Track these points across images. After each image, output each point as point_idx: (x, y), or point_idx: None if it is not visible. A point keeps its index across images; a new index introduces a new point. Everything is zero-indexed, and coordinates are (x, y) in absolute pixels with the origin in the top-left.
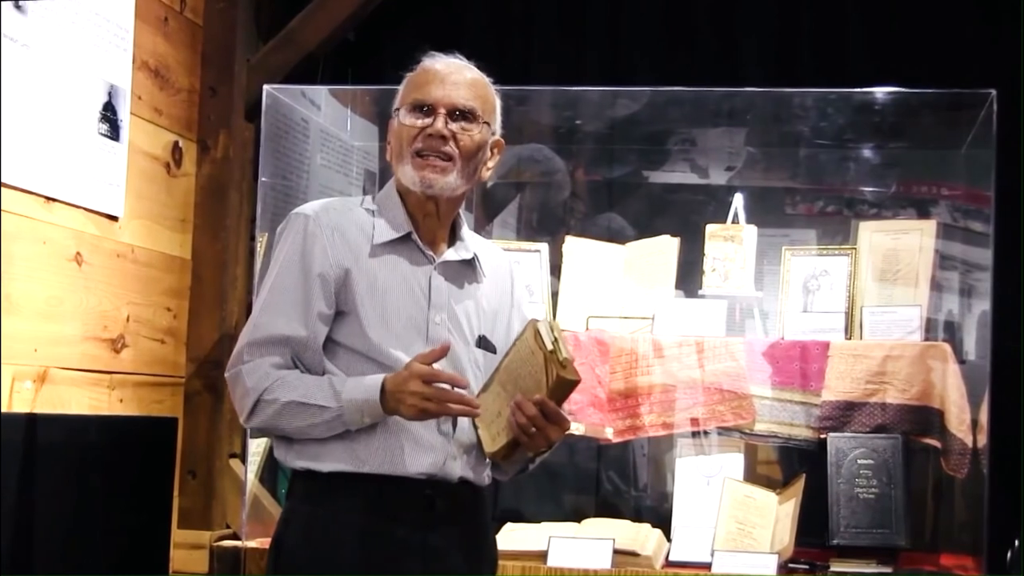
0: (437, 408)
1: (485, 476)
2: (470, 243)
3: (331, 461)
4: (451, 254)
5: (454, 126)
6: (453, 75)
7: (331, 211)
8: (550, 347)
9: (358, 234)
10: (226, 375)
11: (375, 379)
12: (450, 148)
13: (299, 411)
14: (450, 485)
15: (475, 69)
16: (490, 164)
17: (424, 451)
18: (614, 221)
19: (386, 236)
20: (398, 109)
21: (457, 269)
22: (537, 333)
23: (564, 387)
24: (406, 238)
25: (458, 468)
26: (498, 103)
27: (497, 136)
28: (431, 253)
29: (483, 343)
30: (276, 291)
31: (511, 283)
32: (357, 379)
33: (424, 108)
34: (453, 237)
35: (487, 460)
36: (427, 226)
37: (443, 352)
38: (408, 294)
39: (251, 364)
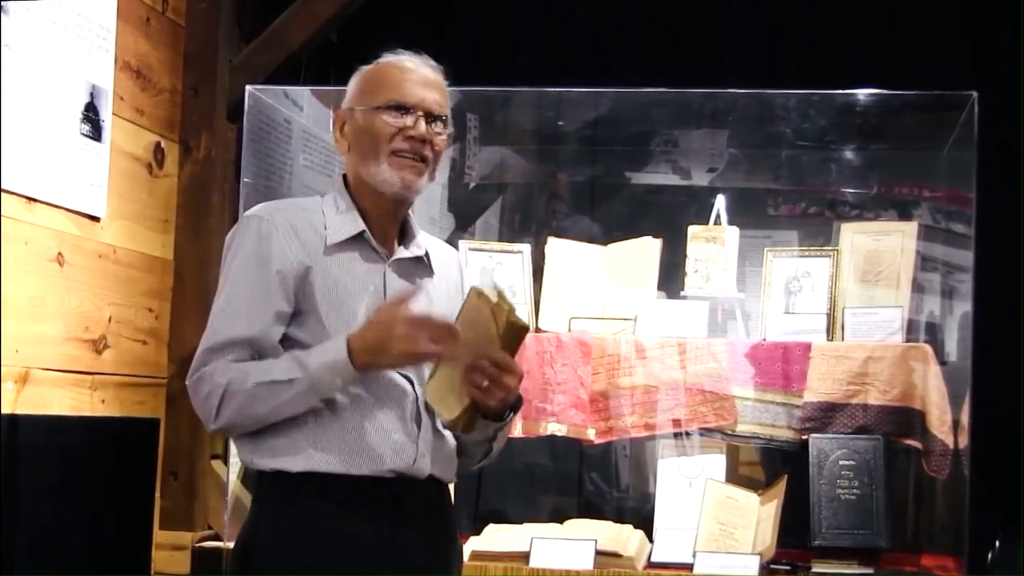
0: (425, 348)
1: (452, 473)
2: (421, 240)
3: (301, 462)
4: (403, 251)
5: (430, 129)
6: (428, 76)
7: (283, 211)
8: (495, 300)
9: (312, 233)
10: (187, 382)
11: (337, 339)
12: (427, 151)
13: (267, 391)
14: (419, 482)
15: (439, 69)
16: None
17: (395, 450)
18: (581, 223)
19: (341, 235)
20: (376, 107)
21: (410, 266)
22: (480, 294)
23: (515, 333)
24: (359, 236)
25: (427, 466)
26: None
27: None
28: (384, 251)
29: None
30: (234, 294)
31: (460, 277)
32: (318, 347)
33: (404, 109)
34: (403, 234)
35: (455, 457)
36: (381, 225)
37: (412, 294)
38: (364, 293)
39: (212, 366)
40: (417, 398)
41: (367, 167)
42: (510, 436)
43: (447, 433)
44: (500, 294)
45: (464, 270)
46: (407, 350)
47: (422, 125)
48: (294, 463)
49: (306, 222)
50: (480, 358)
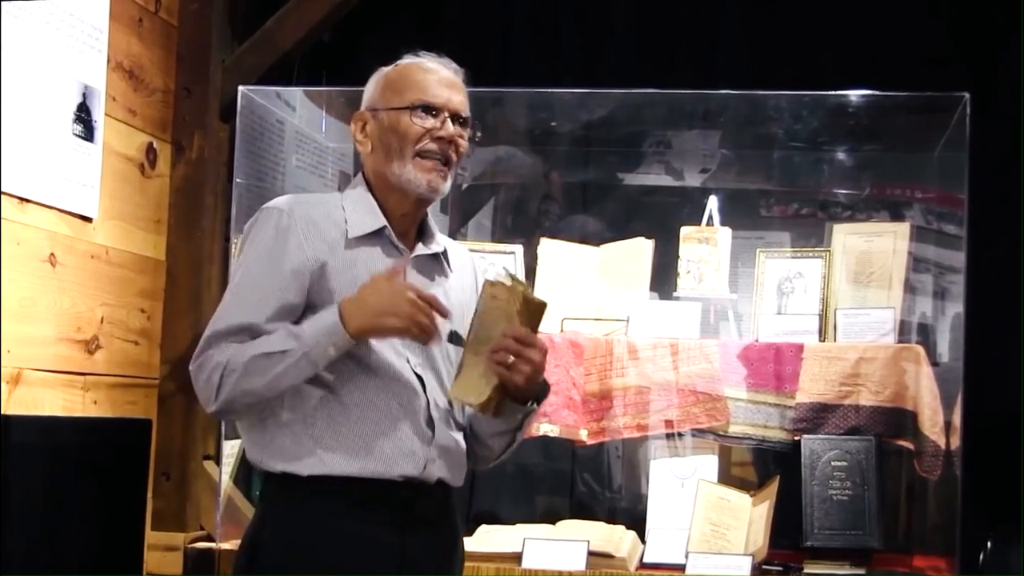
0: (427, 323)
1: (461, 478)
2: (439, 238)
3: (310, 465)
4: (422, 248)
5: (456, 130)
6: (452, 78)
7: (304, 204)
8: (510, 283)
9: (332, 228)
10: (190, 368)
11: (330, 307)
12: (452, 152)
13: (263, 363)
14: (428, 487)
15: (460, 72)
16: None
17: (406, 454)
18: (578, 221)
19: (361, 230)
20: (403, 107)
21: (428, 263)
22: (493, 283)
23: (534, 309)
24: (380, 232)
25: (436, 470)
26: None
27: None
28: (403, 247)
29: (454, 338)
30: (244, 284)
31: (475, 278)
32: (313, 317)
33: (430, 109)
34: (420, 232)
35: (464, 462)
36: (401, 223)
37: (404, 266)
38: None
39: (214, 350)
40: (429, 403)
41: (391, 167)
42: None
43: (459, 437)
44: (513, 277)
45: (479, 273)
46: (399, 312)
47: (450, 126)
48: (303, 466)
49: (327, 216)
50: (503, 337)
